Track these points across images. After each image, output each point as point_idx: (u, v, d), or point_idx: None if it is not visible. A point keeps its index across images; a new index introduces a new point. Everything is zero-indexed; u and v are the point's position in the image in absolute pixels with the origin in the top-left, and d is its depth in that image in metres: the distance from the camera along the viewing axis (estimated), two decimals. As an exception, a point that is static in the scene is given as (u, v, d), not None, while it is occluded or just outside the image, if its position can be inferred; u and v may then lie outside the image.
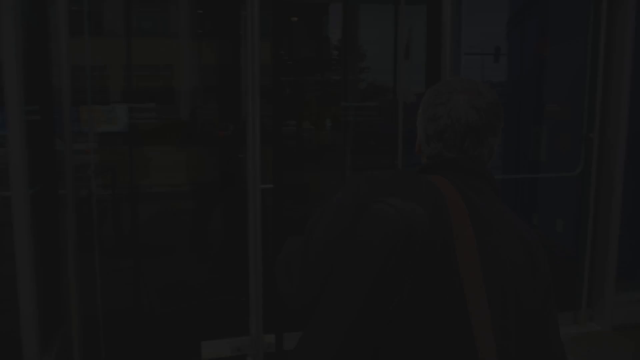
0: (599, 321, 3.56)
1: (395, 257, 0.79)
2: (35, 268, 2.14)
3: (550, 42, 4.52)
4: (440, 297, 0.85)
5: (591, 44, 3.59)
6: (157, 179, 4.26)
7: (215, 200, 4.35)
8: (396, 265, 0.80)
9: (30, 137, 2.11)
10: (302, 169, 4.75)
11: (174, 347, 3.26)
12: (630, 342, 3.34)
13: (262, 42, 2.24)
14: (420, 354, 0.85)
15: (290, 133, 4.67)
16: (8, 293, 2.36)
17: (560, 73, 4.29)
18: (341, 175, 4.22)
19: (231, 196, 4.03)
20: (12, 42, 1.90)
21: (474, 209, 0.94)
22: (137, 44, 4.20)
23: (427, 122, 1.05)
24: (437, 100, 1.04)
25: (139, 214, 4.18)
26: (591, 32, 3.57)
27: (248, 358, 2.93)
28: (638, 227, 4.01)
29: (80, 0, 2.88)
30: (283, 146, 4.16)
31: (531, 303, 0.96)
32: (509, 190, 5.44)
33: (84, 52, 2.89)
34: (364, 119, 3.67)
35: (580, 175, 3.65)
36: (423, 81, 3.34)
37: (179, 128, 4.30)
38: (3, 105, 2.02)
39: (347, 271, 0.82)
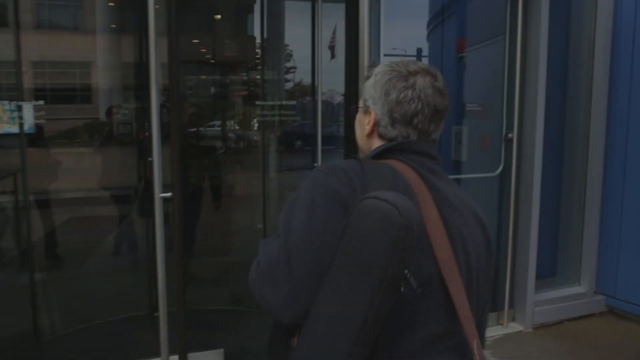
0: (521, 321, 3.59)
1: (398, 252, 0.80)
2: None
3: (469, 43, 4.54)
4: (424, 280, 0.89)
5: (508, 45, 3.61)
6: (71, 183, 4.01)
7: (131, 206, 4.07)
8: (399, 259, 0.81)
9: None
10: (226, 170, 4.58)
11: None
12: (550, 340, 3.38)
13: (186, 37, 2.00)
14: (410, 329, 0.90)
15: (216, 134, 4.52)
16: None
17: (480, 74, 4.32)
18: (261, 177, 4.04)
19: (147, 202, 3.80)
20: None
21: (435, 192, 0.98)
22: (50, 39, 3.89)
23: (395, 105, 1.04)
24: (402, 84, 1.04)
25: (48, 223, 3.90)
26: (508, 34, 3.59)
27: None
28: (553, 225, 4.11)
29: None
30: (182, 150, 3.98)
31: (487, 273, 1.05)
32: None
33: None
34: (286, 118, 3.52)
35: (501, 175, 3.66)
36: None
37: (96, 129, 4.05)
38: None
39: (350, 271, 0.82)
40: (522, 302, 3.56)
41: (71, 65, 4.28)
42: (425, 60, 5.63)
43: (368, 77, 1.12)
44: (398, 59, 1.15)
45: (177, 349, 2.67)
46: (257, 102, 3.63)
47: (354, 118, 1.19)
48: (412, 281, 0.86)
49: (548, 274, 4.08)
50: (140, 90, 3.72)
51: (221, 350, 2.95)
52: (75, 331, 3.47)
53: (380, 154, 1.05)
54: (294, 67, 4.70)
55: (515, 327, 3.57)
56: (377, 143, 1.10)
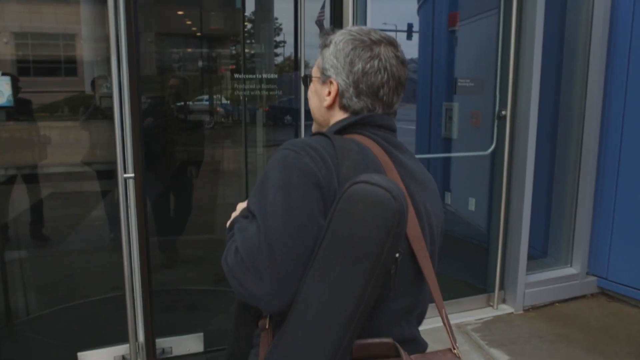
0: (511, 303, 3.50)
1: (392, 237, 0.80)
2: None
3: (461, 17, 4.38)
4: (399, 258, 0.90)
5: (502, 18, 3.46)
6: (54, 158, 3.84)
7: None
8: (393, 244, 0.81)
9: None
10: (213, 145, 4.45)
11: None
12: (540, 322, 3.31)
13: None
14: (385, 304, 0.92)
15: (204, 108, 4.43)
16: None
17: (472, 49, 4.17)
18: (242, 152, 3.92)
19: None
20: None
21: (401, 168, 0.98)
22: (33, 9, 3.74)
23: (361, 76, 1.01)
24: (367, 53, 1.01)
25: (28, 198, 3.79)
26: (502, 6, 3.44)
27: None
28: (546, 205, 4.02)
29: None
30: (167, 124, 3.84)
31: (441, 240, 1.10)
32: (421, 169, 5.34)
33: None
34: (270, 93, 3.37)
35: (492, 154, 3.54)
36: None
37: (81, 102, 3.92)
38: None
39: (343, 258, 0.79)
40: (513, 283, 3.47)
41: (55, 37, 4.12)
42: (416, 36, 5.48)
43: (326, 45, 1.07)
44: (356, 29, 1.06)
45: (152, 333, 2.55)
46: (237, 76, 3.48)
47: (307, 88, 1.14)
48: (398, 262, 0.89)
49: (539, 255, 4.00)
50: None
51: (201, 334, 2.84)
52: (52, 312, 3.34)
53: (343, 129, 1.02)
54: (284, 41, 4.59)
55: (505, 309, 3.49)
56: (338, 115, 1.06)
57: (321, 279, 0.81)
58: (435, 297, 0.98)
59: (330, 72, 1.04)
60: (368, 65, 1.01)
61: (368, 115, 1.03)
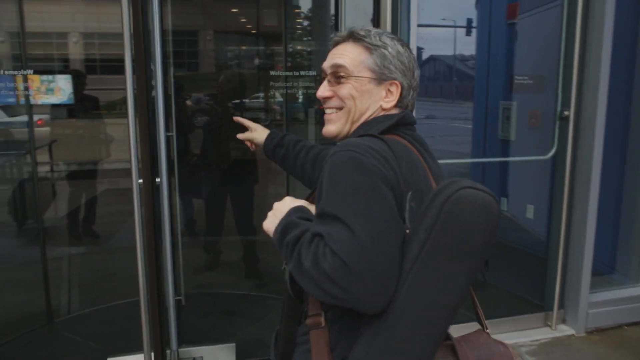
0: (572, 324, 3.18)
1: (493, 238, 0.87)
2: None
3: (521, 9, 4.06)
4: None
5: (567, 10, 3.15)
6: (112, 154, 3.93)
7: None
8: (492, 241, 0.88)
9: None
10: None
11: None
12: (605, 347, 2.98)
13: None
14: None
15: (259, 106, 4.42)
16: None
17: (532, 43, 3.85)
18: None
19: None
20: None
21: (427, 163, 1.06)
22: (99, 10, 3.86)
23: (414, 80, 1.13)
24: (407, 53, 1.12)
25: (79, 195, 3.90)
26: (567, -3, 3.13)
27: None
28: (613, 216, 3.65)
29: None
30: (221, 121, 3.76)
31: None
32: (476, 170, 5.05)
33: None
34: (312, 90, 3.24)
35: (553, 159, 3.23)
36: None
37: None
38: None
39: (450, 258, 0.85)
40: (575, 302, 3.15)
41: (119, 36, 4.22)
42: (474, 32, 5.19)
43: (377, 46, 1.10)
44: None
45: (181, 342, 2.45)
46: (292, 73, 3.38)
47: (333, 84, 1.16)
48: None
49: (606, 270, 3.64)
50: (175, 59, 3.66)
51: (233, 345, 2.72)
52: (92, 312, 3.33)
53: (389, 129, 1.07)
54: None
55: (565, 330, 3.18)
56: (376, 113, 1.12)
57: (428, 276, 0.86)
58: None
59: (396, 75, 1.11)
60: (412, 64, 1.13)
61: (404, 115, 1.10)
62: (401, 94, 1.11)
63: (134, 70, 1.60)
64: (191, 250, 3.83)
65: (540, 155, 3.29)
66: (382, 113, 1.12)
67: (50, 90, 2.85)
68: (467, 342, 1.02)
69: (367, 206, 0.88)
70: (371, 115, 1.12)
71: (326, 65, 1.16)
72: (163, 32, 1.86)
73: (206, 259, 3.83)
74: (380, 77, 1.11)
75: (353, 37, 1.13)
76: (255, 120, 4.41)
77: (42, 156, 4.27)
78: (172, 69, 3.54)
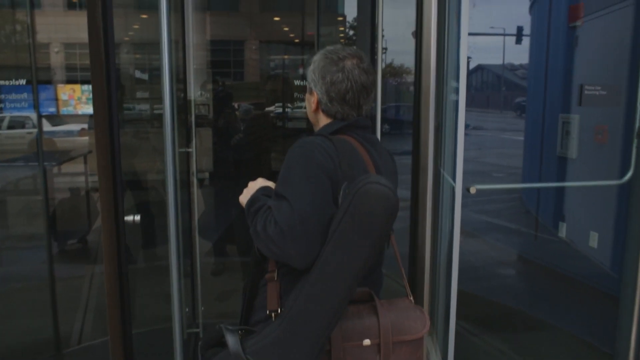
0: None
1: (390, 221, 1.13)
2: None
3: (585, 12, 3.63)
4: None
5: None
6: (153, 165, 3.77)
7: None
8: (389, 225, 1.14)
9: None
10: None
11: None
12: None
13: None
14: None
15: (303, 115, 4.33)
16: None
17: (598, 49, 3.41)
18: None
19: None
20: None
21: (374, 160, 1.32)
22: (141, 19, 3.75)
23: (329, 86, 1.32)
24: (334, 67, 1.32)
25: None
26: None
27: None
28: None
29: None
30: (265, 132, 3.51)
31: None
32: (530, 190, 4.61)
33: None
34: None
35: (630, 184, 2.77)
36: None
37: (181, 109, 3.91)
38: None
39: (357, 232, 1.09)
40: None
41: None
42: (526, 39, 4.75)
43: (309, 64, 1.35)
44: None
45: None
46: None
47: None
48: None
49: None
50: (219, 67, 3.59)
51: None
52: (103, 342, 3.05)
53: (337, 131, 1.32)
54: (385, 48, 4.23)
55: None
56: (322, 118, 1.38)
57: (340, 246, 1.11)
58: (398, 259, 1.32)
59: (312, 85, 1.35)
60: (334, 77, 1.31)
61: (354, 121, 1.33)
62: (317, 100, 1.35)
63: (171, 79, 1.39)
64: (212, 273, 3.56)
65: (610, 177, 2.84)
66: (323, 117, 1.37)
67: (90, 100, 2.69)
68: (390, 304, 1.28)
69: (305, 189, 1.15)
70: (319, 120, 1.39)
71: None
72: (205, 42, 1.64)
73: (233, 284, 3.54)
74: (308, 88, 1.39)
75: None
76: (299, 130, 4.15)
77: (77, 166, 4.13)
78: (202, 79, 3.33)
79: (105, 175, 1.45)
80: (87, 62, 1.46)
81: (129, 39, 3.65)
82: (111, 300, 1.57)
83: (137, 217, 1.59)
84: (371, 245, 1.11)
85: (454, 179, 1.94)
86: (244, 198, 1.32)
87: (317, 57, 1.35)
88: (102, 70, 1.41)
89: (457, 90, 1.85)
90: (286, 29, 4.53)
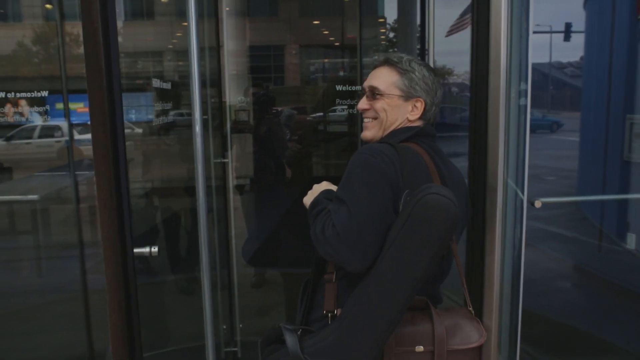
0: None
1: (450, 233, 1.12)
2: None
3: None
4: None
5: None
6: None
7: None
8: (450, 237, 1.15)
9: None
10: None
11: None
12: None
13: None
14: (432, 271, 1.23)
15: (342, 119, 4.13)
16: None
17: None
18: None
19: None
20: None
21: (439, 169, 1.33)
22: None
23: (437, 99, 1.40)
24: (436, 79, 1.41)
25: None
26: None
27: None
28: None
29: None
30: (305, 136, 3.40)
31: (465, 224, 1.52)
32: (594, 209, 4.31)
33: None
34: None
35: None
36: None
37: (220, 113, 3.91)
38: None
39: (416, 243, 1.11)
40: None
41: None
42: (578, 36, 4.48)
43: (407, 70, 1.38)
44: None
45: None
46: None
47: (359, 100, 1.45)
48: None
49: None
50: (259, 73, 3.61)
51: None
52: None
53: (408, 139, 1.35)
54: (426, 50, 4.09)
55: None
56: (402, 124, 1.39)
57: (398, 255, 1.13)
58: (460, 270, 1.35)
59: (420, 94, 1.38)
60: (439, 90, 1.41)
61: (423, 128, 1.39)
62: (425, 109, 1.38)
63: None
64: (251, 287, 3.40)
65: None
66: (408, 124, 1.38)
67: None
68: (447, 312, 1.29)
69: (365, 195, 1.18)
70: (399, 124, 1.39)
71: (366, 84, 1.43)
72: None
73: (274, 297, 3.38)
74: (408, 95, 1.38)
75: (388, 62, 1.42)
76: (341, 133, 4.01)
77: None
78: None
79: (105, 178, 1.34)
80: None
81: (172, 46, 3.63)
82: (114, 321, 1.42)
83: (154, 249, 1.47)
84: (430, 255, 1.12)
85: (522, 190, 1.74)
86: (308, 200, 1.36)
87: (420, 67, 1.40)
88: (100, 76, 1.30)
89: (525, 93, 1.66)
90: (326, 32, 4.48)
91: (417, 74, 1.37)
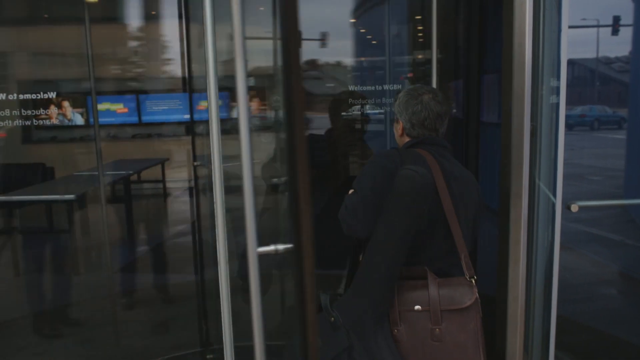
0: None
1: (420, 197, 1.44)
2: None
3: None
4: (436, 216, 1.55)
5: None
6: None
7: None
8: (421, 201, 1.46)
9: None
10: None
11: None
12: None
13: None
14: (424, 247, 1.57)
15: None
16: None
17: None
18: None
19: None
20: None
21: (443, 168, 1.60)
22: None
23: (411, 116, 1.69)
24: (414, 101, 1.69)
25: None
26: None
27: None
28: None
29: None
30: None
31: (477, 213, 1.69)
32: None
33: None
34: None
35: None
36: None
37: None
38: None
39: (395, 211, 1.46)
40: None
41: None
42: (627, 30, 4.30)
43: (395, 100, 1.75)
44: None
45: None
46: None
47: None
48: (426, 215, 1.51)
49: None
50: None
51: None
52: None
53: (412, 146, 1.67)
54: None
55: None
56: (406, 139, 1.73)
57: (386, 218, 1.47)
58: (458, 246, 1.56)
59: (398, 116, 1.73)
60: (414, 109, 1.68)
61: (424, 138, 1.67)
62: (403, 126, 1.70)
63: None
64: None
65: None
66: (407, 138, 1.71)
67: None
68: (445, 281, 1.54)
69: (368, 181, 1.56)
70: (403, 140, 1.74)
71: None
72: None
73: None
74: (395, 118, 1.75)
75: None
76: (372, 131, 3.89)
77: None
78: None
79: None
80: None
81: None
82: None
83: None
84: (408, 216, 1.45)
85: (554, 193, 1.65)
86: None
87: (401, 95, 1.73)
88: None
89: (557, 91, 1.57)
90: (363, 31, 4.41)
91: (397, 100, 1.72)
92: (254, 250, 1.24)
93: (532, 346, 1.92)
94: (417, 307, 1.51)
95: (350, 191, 1.66)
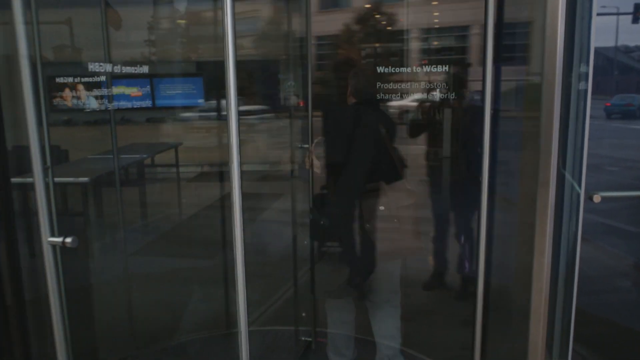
0: None
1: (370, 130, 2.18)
2: None
3: None
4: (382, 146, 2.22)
5: None
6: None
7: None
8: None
9: None
10: None
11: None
12: None
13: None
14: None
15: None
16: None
17: None
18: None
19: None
20: None
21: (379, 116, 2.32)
22: None
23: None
24: (355, 73, 2.43)
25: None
26: None
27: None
28: None
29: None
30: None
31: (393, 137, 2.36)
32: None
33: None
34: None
35: None
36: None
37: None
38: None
39: (362, 142, 2.13)
40: None
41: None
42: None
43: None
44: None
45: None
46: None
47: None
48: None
49: None
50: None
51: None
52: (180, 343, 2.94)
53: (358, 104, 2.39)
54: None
55: None
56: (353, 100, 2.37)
57: (356, 149, 2.12)
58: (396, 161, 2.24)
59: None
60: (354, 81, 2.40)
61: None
62: (350, 90, 2.31)
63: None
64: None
65: None
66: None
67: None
68: (392, 187, 2.22)
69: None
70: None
71: None
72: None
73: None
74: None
75: None
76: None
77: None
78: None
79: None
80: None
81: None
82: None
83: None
84: (371, 147, 2.15)
85: (579, 184, 1.61)
86: None
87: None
88: None
89: (585, 77, 1.52)
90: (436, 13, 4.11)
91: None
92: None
93: (552, 338, 1.89)
94: (381, 207, 2.17)
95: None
